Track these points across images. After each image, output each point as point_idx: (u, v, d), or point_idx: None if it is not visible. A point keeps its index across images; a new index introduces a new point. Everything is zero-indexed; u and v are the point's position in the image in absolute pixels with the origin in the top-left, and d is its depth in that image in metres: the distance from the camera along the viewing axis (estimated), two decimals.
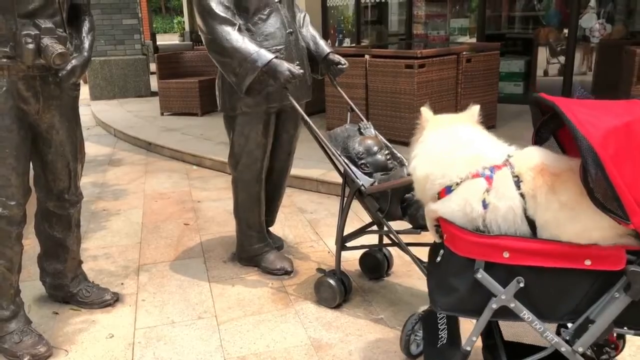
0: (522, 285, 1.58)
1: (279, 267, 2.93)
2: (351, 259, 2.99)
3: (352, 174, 2.37)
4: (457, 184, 1.62)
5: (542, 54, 8.26)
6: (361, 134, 2.66)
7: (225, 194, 4.33)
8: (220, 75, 2.70)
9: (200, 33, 2.57)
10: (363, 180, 2.35)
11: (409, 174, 2.21)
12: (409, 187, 2.28)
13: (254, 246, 2.99)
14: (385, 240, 2.70)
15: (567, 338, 1.62)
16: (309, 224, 3.67)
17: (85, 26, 2.40)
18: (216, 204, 4.13)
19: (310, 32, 2.87)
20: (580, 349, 1.60)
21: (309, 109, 2.94)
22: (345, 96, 2.83)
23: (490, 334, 1.97)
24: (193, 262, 3.15)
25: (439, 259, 1.74)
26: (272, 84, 2.54)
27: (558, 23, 8.47)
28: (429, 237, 2.32)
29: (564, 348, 1.62)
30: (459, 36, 8.21)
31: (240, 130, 2.74)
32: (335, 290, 2.54)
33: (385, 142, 2.62)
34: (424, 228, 2.29)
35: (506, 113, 6.23)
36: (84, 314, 2.62)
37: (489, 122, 5.69)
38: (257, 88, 2.59)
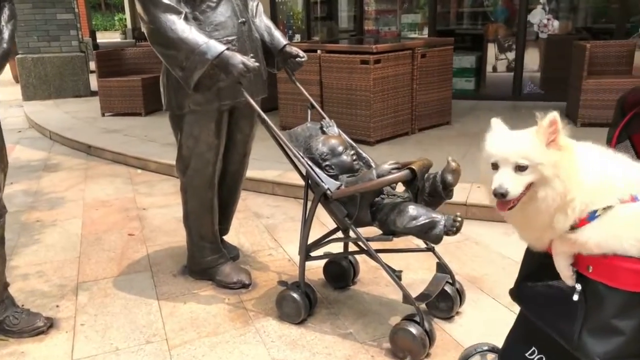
0: None
1: (236, 280, 2.68)
2: (314, 267, 2.77)
3: (317, 177, 2.15)
4: (606, 208, 1.32)
5: (492, 49, 8.32)
6: (324, 132, 2.45)
7: (174, 199, 4.02)
8: (165, 70, 2.42)
9: (141, 23, 2.28)
10: (329, 184, 2.13)
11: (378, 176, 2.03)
12: (379, 190, 2.10)
13: (207, 258, 2.72)
14: (352, 247, 2.50)
15: None
16: (266, 230, 3.43)
17: (5, 14, 2.08)
18: (163, 211, 3.82)
19: (264, 23, 2.63)
20: None
21: (261, 105, 2.71)
22: (305, 92, 2.60)
23: None
24: (139, 278, 2.85)
25: (576, 296, 1.39)
26: (224, 79, 2.29)
27: (505, 19, 8.56)
28: (398, 242, 2.15)
29: None
30: (410, 32, 8.14)
31: (189, 131, 2.47)
32: (299, 305, 2.31)
33: (350, 141, 2.42)
34: (395, 234, 2.10)
35: (459, 109, 6.18)
36: (11, 345, 2.28)
37: (444, 118, 5.62)
38: (207, 83, 2.33)
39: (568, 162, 1.37)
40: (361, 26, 8.19)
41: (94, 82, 7.95)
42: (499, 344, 1.75)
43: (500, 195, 1.34)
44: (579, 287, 1.39)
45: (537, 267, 1.55)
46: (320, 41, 6.89)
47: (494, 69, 8.94)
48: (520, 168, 1.35)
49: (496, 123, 1.49)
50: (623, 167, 1.40)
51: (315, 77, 5.14)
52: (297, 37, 8.94)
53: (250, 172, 3.08)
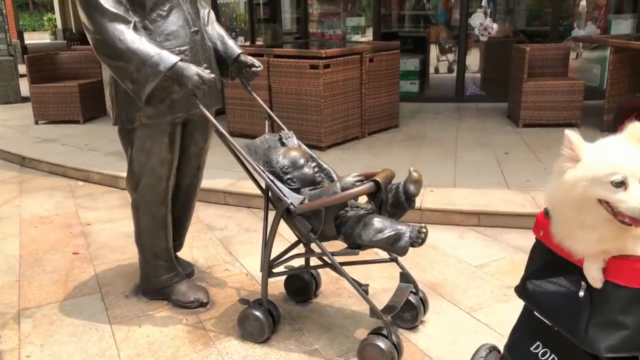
0: None
1: (193, 299, 2.57)
2: (274, 281, 2.70)
3: (279, 191, 2.09)
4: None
5: (435, 52, 8.50)
6: (283, 144, 2.39)
7: (120, 213, 3.84)
8: (112, 82, 2.28)
9: (87, 33, 2.13)
10: (292, 198, 2.07)
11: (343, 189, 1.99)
12: (343, 203, 2.06)
13: (162, 277, 2.60)
14: (314, 260, 2.45)
15: None
16: (221, 243, 3.32)
17: None
18: (110, 226, 3.63)
19: (217, 31, 2.54)
20: None
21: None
22: (262, 103, 2.53)
23: None
24: (88, 301, 2.68)
25: (582, 293, 1.47)
26: (178, 91, 2.19)
27: (446, 21, 8.77)
28: (361, 253, 2.11)
29: None
30: (354, 35, 8.19)
31: (141, 146, 2.34)
32: (262, 324, 2.24)
33: (310, 152, 2.37)
34: (361, 247, 2.07)
35: (405, 111, 6.26)
36: None
37: (393, 121, 5.67)
38: (160, 96, 2.22)
39: None
40: (306, 29, 8.16)
41: (24, 87, 7.51)
42: (464, 349, 1.76)
43: None
44: (584, 284, 1.46)
45: (542, 264, 1.60)
46: (266, 45, 6.79)
47: (436, 71, 9.14)
48: None
49: (574, 136, 1.41)
50: None
51: (264, 82, 5.06)
52: (241, 39, 8.81)
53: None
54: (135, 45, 2.05)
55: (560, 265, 1.53)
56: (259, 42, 8.48)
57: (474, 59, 8.65)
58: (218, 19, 2.66)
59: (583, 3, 7.22)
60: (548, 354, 1.60)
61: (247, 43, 8.16)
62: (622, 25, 7.02)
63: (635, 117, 1.51)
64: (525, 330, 1.68)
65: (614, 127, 1.63)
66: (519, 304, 1.83)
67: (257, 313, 2.24)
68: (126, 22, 2.07)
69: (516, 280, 1.71)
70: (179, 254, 2.89)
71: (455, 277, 2.81)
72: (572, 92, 5.32)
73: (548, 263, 1.58)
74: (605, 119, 5.15)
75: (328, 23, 8.26)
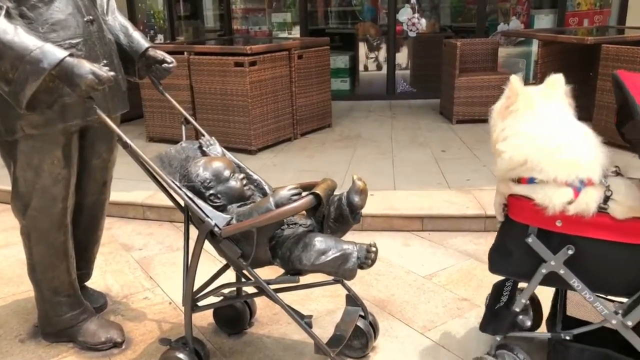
0: (570, 252, 1.61)
1: (105, 340, 2.17)
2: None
3: (200, 211, 1.74)
4: (544, 181, 1.59)
5: (363, 49, 8.34)
6: (204, 153, 2.03)
7: (17, 236, 3.30)
8: None
9: None
10: (216, 219, 1.73)
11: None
12: (278, 222, 1.74)
13: (65, 316, 2.17)
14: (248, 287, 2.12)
15: (620, 311, 1.62)
16: (139, 266, 2.91)
17: None
18: (5, 252, 3.12)
19: (119, 21, 2.14)
20: (630, 323, 1.60)
21: (121, 117, 2.23)
22: (177, 105, 2.16)
23: (555, 304, 1.97)
24: None
25: (497, 225, 1.80)
26: (70, 93, 1.78)
27: (372, 18, 8.64)
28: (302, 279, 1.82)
29: (614, 320, 1.63)
30: (281, 31, 7.88)
31: (26, 161, 1.92)
32: None
33: (237, 161, 2.03)
34: (301, 273, 1.76)
35: (337, 110, 6.03)
36: None
37: (325, 121, 5.41)
38: (46, 99, 1.80)
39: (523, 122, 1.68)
40: (229, 25, 7.75)
41: None
42: None
43: None
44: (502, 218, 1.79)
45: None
46: (187, 42, 6.33)
47: (365, 68, 9.00)
48: None
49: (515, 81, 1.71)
50: (580, 146, 1.60)
51: (184, 82, 4.64)
52: (160, 37, 8.26)
53: (114, 195, 2.56)
54: (9, 36, 1.63)
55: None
56: (180, 40, 7.98)
57: (402, 55, 8.58)
58: (133, 16, 2.26)
59: None
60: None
61: (168, 41, 7.64)
62: (544, 21, 7.14)
63: None
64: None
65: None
66: (474, 319, 2.09)
67: (181, 356, 1.88)
68: None
69: (468, 291, 1.90)
70: (87, 283, 2.47)
71: (403, 292, 2.56)
72: (503, 86, 5.26)
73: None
74: None
75: (253, 19, 7.90)
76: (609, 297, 1.75)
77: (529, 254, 1.67)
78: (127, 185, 3.70)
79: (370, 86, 7.79)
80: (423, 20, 7.03)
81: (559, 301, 1.96)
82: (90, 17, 1.93)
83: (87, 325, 2.20)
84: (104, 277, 2.77)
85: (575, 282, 1.64)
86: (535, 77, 5.19)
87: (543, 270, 1.67)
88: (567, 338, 1.74)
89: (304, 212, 1.84)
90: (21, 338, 2.28)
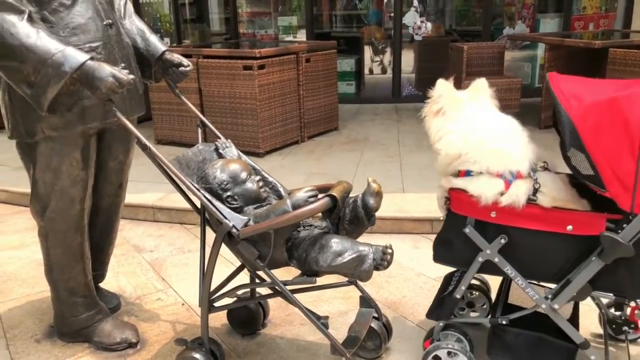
0: (503, 241, 1.72)
1: (120, 340, 2.19)
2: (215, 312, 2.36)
3: (218, 213, 1.76)
4: (479, 173, 1.70)
5: (369, 52, 8.37)
6: (220, 156, 2.06)
7: (32, 237, 3.34)
8: (5, 86, 1.87)
9: None
10: (233, 220, 1.75)
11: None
12: (295, 224, 1.76)
13: (81, 316, 2.20)
14: (262, 288, 2.14)
15: (549, 296, 1.73)
16: (151, 267, 2.93)
17: None
18: (19, 253, 3.14)
19: (136, 25, 2.17)
20: (556, 306, 1.72)
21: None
22: (193, 108, 2.18)
23: (499, 293, 2.07)
24: None
25: (441, 217, 1.89)
26: (89, 96, 1.81)
27: (378, 22, 8.67)
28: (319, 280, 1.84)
29: (544, 305, 1.74)
30: (287, 35, 7.91)
31: (46, 163, 1.94)
32: None
33: (253, 164, 2.05)
34: (318, 274, 1.78)
35: (344, 113, 6.05)
36: None
37: (332, 124, 5.43)
38: (66, 102, 1.83)
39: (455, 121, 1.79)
40: (236, 29, 7.79)
41: None
42: None
43: None
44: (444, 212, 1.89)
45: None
46: (195, 45, 6.37)
47: (371, 71, 9.02)
48: None
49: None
50: (510, 141, 1.73)
51: (193, 85, 4.67)
52: (167, 40, 8.31)
53: (126, 197, 2.58)
54: (32, 40, 1.66)
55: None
56: (186, 43, 8.02)
57: (408, 58, 8.59)
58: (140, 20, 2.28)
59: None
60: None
61: (175, 44, 7.68)
62: (549, 24, 7.16)
63: None
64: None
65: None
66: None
67: (197, 356, 1.90)
68: (18, 11, 1.68)
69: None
70: (101, 284, 2.49)
71: (414, 294, 2.58)
72: (510, 90, 5.28)
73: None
74: (542, 117, 5.15)
75: (259, 23, 7.93)
76: (542, 284, 1.86)
77: (467, 244, 1.78)
78: (138, 187, 3.72)
79: (376, 89, 7.81)
80: (429, 24, 7.05)
81: (503, 289, 2.07)
82: (109, 21, 1.95)
83: (103, 326, 2.22)
84: (116, 278, 2.79)
85: (508, 269, 1.75)
86: (542, 81, 5.21)
87: (480, 259, 1.78)
88: (504, 323, 1.84)
89: (320, 214, 1.87)
90: (37, 338, 2.30)
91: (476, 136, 1.72)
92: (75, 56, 1.70)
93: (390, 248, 1.75)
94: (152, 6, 8.40)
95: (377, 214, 1.90)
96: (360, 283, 2.09)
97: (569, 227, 1.63)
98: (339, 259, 1.71)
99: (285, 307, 2.44)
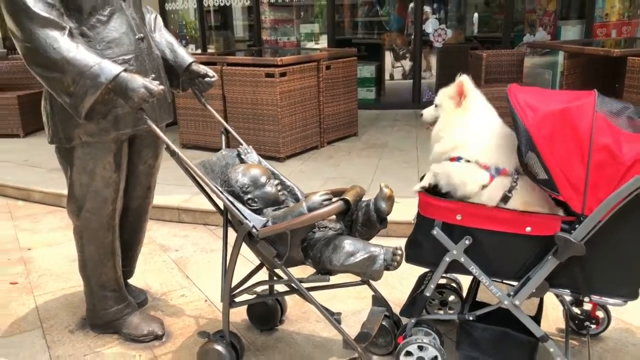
0: (467, 242, 1.84)
1: (147, 332, 2.34)
2: (236, 308, 2.49)
3: (239, 214, 1.89)
4: (468, 161, 1.81)
5: (389, 59, 8.47)
6: (242, 161, 2.20)
7: (64, 235, 3.54)
8: (47, 95, 2.04)
9: (14, 41, 1.88)
10: (254, 221, 1.89)
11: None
12: (310, 225, 1.89)
13: (111, 309, 2.36)
14: (280, 285, 2.27)
15: (512, 293, 1.85)
16: (176, 266, 3.09)
17: None
18: (53, 251, 3.33)
19: (165, 38, 2.32)
20: (517, 302, 1.84)
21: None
22: (217, 116, 2.33)
23: (469, 292, 2.19)
24: (27, 338, 2.40)
25: (412, 220, 1.98)
26: (122, 105, 1.97)
27: (399, 28, 8.76)
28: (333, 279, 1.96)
29: (507, 301, 1.85)
30: (309, 42, 8.06)
31: (82, 166, 2.10)
32: (225, 359, 2.03)
33: (272, 169, 2.19)
34: (331, 273, 1.90)
35: (363, 119, 6.15)
36: None
37: (352, 130, 5.55)
38: (102, 110, 1.99)
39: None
40: (259, 36, 7.97)
41: None
42: None
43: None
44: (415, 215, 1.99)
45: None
46: (219, 53, 6.55)
47: (391, 77, 9.12)
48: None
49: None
50: (503, 140, 1.85)
51: (217, 92, 4.84)
52: (192, 46, 8.53)
53: None
54: (72, 54, 1.82)
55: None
56: (211, 50, 8.23)
57: (428, 65, 8.66)
58: (166, 27, 2.45)
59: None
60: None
61: (199, 51, 7.89)
62: (571, 32, 7.16)
63: None
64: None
65: None
66: None
67: (219, 347, 2.04)
68: (60, 28, 1.84)
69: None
70: (129, 280, 2.65)
71: None
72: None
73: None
74: None
75: (282, 30, 8.10)
76: (507, 282, 1.97)
77: (435, 245, 1.89)
78: (164, 189, 3.88)
79: (396, 95, 7.91)
80: (449, 31, 7.12)
81: (472, 287, 2.19)
82: (141, 35, 2.11)
83: (131, 319, 2.37)
84: (143, 275, 2.95)
85: (473, 268, 1.86)
86: (562, 88, 5.25)
87: (447, 259, 1.89)
88: (471, 319, 1.96)
89: (334, 216, 1.99)
90: (71, 329, 2.47)
91: (478, 130, 1.86)
92: (111, 68, 1.86)
93: (400, 249, 1.86)
94: (178, 13, 8.64)
95: (393, 217, 2.03)
96: (373, 283, 2.21)
97: (528, 229, 1.75)
98: (351, 258, 1.82)
99: (302, 305, 2.57)
